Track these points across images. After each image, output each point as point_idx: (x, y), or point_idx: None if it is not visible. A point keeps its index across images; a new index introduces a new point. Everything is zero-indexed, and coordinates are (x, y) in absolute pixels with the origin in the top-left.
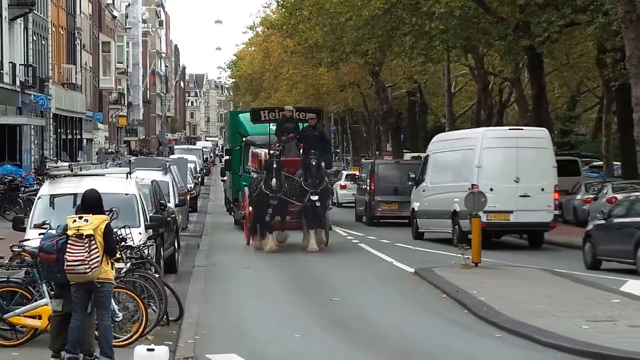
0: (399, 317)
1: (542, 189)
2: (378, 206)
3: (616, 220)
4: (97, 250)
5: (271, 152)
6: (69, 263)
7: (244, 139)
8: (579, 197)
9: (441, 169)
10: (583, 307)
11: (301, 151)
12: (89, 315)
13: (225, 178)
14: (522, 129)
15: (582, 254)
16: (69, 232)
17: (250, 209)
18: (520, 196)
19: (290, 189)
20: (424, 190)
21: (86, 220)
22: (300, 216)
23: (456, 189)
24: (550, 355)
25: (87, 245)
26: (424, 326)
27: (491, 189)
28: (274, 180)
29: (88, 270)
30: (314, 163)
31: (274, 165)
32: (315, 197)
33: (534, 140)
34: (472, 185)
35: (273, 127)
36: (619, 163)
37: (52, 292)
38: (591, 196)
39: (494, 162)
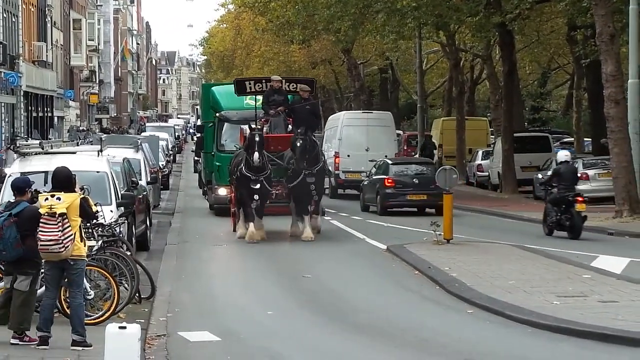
0: (371, 293)
1: (386, 156)
2: None
3: (373, 177)
4: (70, 229)
5: (252, 125)
6: (42, 242)
7: (217, 114)
8: (549, 173)
9: (327, 141)
10: (554, 282)
11: (290, 127)
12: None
13: (198, 158)
14: (371, 112)
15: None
16: (42, 211)
17: (234, 192)
18: (370, 161)
19: (277, 170)
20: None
21: (59, 199)
22: (288, 200)
23: (330, 155)
24: (521, 331)
25: (60, 224)
26: (396, 302)
27: (348, 155)
28: (256, 154)
29: (62, 249)
30: (303, 141)
31: (257, 139)
32: (312, 179)
33: (380, 120)
34: (335, 152)
35: (251, 100)
36: (589, 139)
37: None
38: None
39: (350, 136)
